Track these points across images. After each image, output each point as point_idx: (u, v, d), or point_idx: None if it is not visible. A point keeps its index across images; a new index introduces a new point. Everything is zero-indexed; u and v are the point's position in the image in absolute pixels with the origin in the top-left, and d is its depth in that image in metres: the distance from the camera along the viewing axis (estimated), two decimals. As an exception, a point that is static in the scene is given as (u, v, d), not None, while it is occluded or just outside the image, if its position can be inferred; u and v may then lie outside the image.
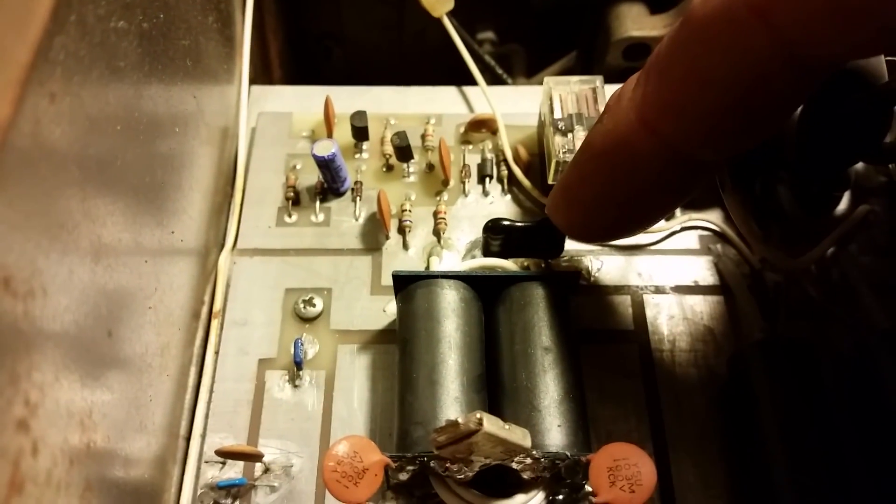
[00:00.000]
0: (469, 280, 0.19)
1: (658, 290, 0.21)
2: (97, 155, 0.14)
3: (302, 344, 0.20)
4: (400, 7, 0.35)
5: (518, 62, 0.35)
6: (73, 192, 0.13)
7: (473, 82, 0.24)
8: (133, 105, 0.16)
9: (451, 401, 0.16)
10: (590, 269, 0.21)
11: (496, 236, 0.20)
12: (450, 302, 0.18)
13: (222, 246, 0.22)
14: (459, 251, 0.22)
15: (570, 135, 0.21)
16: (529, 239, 0.20)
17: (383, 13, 0.35)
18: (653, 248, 0.22)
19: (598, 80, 0.22)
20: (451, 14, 0.26)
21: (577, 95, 0.22)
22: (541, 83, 0.31)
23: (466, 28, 0.28)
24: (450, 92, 0.25)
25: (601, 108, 0.22)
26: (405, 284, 0.19)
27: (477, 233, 0.22)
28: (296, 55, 0.35)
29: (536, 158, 0.23)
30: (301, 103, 0.25)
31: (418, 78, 0.37)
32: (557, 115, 0.21)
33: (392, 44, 0.37)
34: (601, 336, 0.20)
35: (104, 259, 0.14)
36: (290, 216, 0.22)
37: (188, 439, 0.19)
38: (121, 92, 0.15)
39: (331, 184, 0.22)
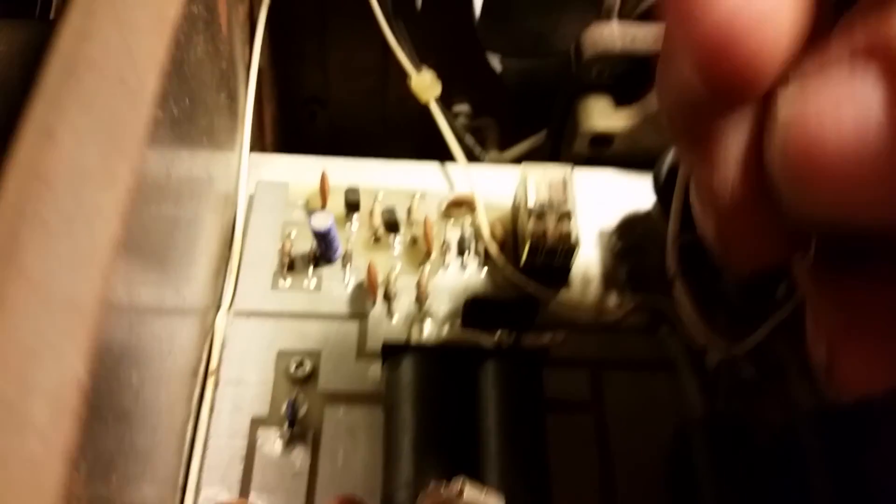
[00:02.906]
0: (451, 352, 0.21)
1: (611, 366, 0.23)
2: (137, 221, 0.16)
3: (294, 404, 0.21)
4: (384, 76, 0.37)
5: (491, 135, 0.38)
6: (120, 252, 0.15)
7: (451, 156, 0.27)
8: (163, 180, 0.18)
9: (435, 466, 0.18)
10: (551, 342, 0.24)
11: (476, 311, 0.22)
12: (433, 372, 0.20)
13: (219, 306, 0.23)
14: (440, 321, 0.24)
15: (542, 219, 0.24)
16: (505, 313, 0.22)
17: (368, 81, 0.38)
18: (608, 325, 0.24)
19: (568, 169, 0.25)
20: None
21: (550, 183, 0.24)
22: (513, 159, 0.34)
23: (443, 99, 0.31)
24: (433, 168, 0.28)
25: (570, 197, 0.24)
26: (392, 353, 0.21)
27: (456, 303, 0.24)
28: (283, 118, 0.37)
29: (511, 236, 0.26)
30: (295, 172, 0.27)
31: (398, 141, 0.40)
32: (531, 201, 0.24)
33: (375, 109, 0.39)
34: (558, 406, 0.22)
35: (135, 317, 0.16)
36: (284, 280, 0.24)
37: (184, 490, 0.20)
38: (155, 169, 0.17)
39: (324, 252, 0.24)
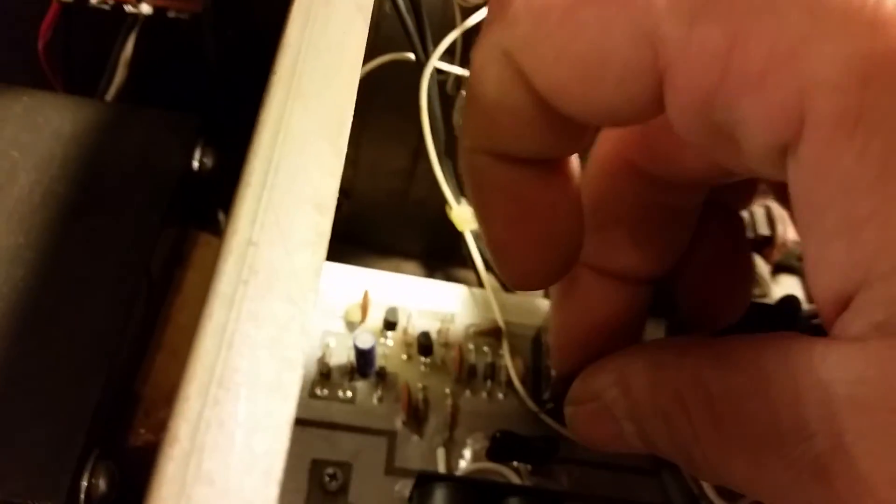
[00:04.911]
0: (479, 484, 0.23)
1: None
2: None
3: (329, 519, 0.23)
4: (409, 178, 0.40)
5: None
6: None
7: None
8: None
9: None
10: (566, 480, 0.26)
11: (502, 446, 0.24)
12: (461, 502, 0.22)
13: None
14: (466, 447, 0.26)
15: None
16: (528, 449, 0.24)
17: (394, 181, 0.40)
18: (618, 464, 0.26)
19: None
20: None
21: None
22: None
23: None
24: (463, 291, 0.30)
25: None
26: (423, 482, 0.22)
27: (481, 429, 0.26)
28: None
29: (533, 367, 0.28)
30: (333, 278, 0.28)
31: (414, 238, 0.42)
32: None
33: (395, 206, 0.41)
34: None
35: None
36: (321, 389, 0.26)
37: None
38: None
39: (361, 367, 0.26)
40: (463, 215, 0.30)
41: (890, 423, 0.11)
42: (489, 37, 0.14)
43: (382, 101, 0.36)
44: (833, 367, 0.11)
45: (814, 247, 0.12)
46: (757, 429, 0.12)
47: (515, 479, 0.24)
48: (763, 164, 0.12)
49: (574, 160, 0.16)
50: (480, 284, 0.29)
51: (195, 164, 0.25)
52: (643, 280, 0.18)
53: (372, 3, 0.19)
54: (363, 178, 0.40)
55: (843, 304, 0.11)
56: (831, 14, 0.10)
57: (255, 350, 0.13)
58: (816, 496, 0.11)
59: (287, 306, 0.13)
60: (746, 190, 0.19)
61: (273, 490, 0.11)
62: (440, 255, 0.42)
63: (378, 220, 0.42)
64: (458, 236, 0.30)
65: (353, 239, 0.41)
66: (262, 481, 0.11)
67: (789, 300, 0.23)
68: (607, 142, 0.17)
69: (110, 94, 0.33)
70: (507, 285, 0.18)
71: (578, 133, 0.15)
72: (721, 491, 0.25)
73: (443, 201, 0.30)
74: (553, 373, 0.26)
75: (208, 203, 0.28)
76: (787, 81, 0.11)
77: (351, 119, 0.17)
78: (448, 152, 0.31)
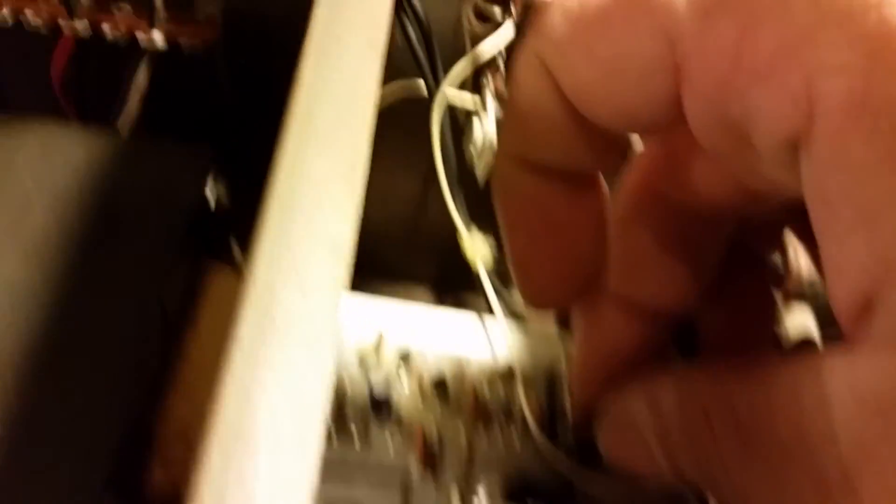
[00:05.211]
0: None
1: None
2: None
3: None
4: (420, 205, 0.40)
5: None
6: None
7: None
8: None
9: None
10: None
11: (517, 491, 0.23)
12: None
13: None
14: (481, 490, 0.25)
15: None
16: (543, 494, 0.24)
17: (406, 209, 0.40)
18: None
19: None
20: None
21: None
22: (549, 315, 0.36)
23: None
24: (474, 324, 0.29)
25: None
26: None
27: (494, 473, 0.25)
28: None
29: (547, 404, 0.27)
30: (348, 318, 0.28)
31: (422, 265, 0.42)
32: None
33: (405, 233, 0.41)
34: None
35: None
36: (335, 433, 0.25)
37: None
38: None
39: (375, 409, 0.26)
40: (475, 245, 0.30)
41: None
42: (528, 44, 0.15)
43: (393, 128, 0.36)
44: (858, 370, 0.11)
45: (830, 247, 0.11)
46: (782, 443, 0.12)
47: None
48: (777, 167, 0.12)
49: (603, 183, 0.17)
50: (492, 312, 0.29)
51: (208, 194, 0.25)
52: (665, 313, 0.18)
53: (384, 40, 0.19)
54: (374, 204, 0.40)
55: (865, 305, 0.11)
56: (837, 2, 0.11)
57: (273, 400, 0.12)
58: None
59: (306, 352, 0.13)
60: (773, 234, 0.19)
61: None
62: (451, 281, 0.42)
63: (388, 247, 0.42)
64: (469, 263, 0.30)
65: (364, 265, 0.41)
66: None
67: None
68: (636, 171, 0.17)
69: (124, 126, 0.33)
70: (525, 300, 0.19)
71: (607, 146, 0.15)
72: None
73: (454, 228, 0.30)
74: (569, 410, 0.26)
75: (222, 233, 0.28)
76: (794, 69, 0.11)
77: (366, 160, 0.17)
78: (459, 180, 0.30)
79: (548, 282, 0.17)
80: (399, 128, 0.36)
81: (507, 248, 0.17)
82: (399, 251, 0.42)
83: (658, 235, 0.17)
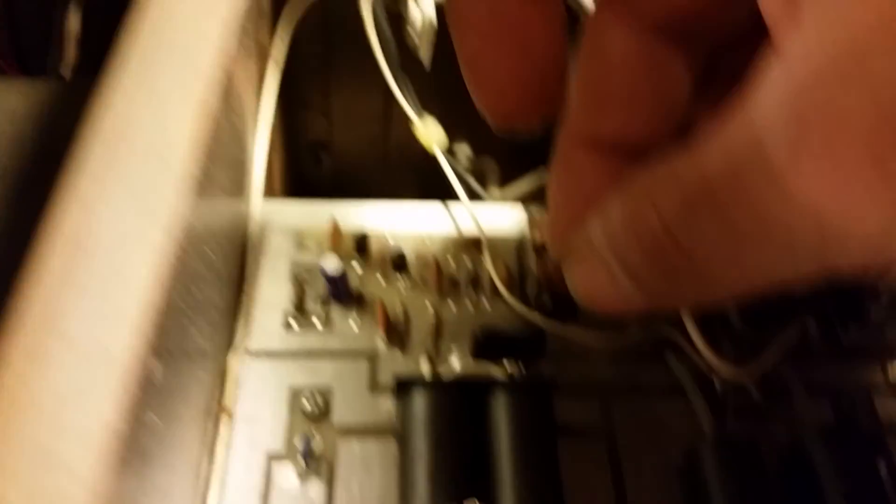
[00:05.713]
0: (462, 385, 0.21)
1: (620, 391, 0.24)
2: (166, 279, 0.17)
3: (309, 440, 0.22)
4: (387, 122, 0.39)
5: (491, 175, 0.39)
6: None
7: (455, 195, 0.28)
8: (190, 238, 0.19)
9: (450, 494, 0.19)
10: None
11: (486, 343, 0.22)
12: (445, 404, 0.21)
13: (233, 347, 0.24)
14: (450, 355, 0.24)
15: (546, 257, 0.25)
16: (514, 344, 0.23)
17: (371, 127, 0.39)
18: (615, 353, 0.25)
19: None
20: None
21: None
22: (515, 197, 0.35)
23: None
24: (438, 208, 0.29)
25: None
26: (404, 388, 0.21)
27: (465, 338, 0.24)
28: (289, 164, 0.39)
29: (517, 272, 0.26)
30: (305, 216, 0.28)
31: (402, 183, 0.41)
32: (535, 240, 0.25)
33: (378, 153, 0.40)
34: (569, 432, 0.23)
35: (159, 362, 0.16)
36: (296, 321, 0.25)
37: (202, 529, 0.21)
38: (184, 229, 0.18)
39: (335, 294, 0.25)
40: (427, 131, 0.28)
41: None
42: None
43: (340, 40, 0.35)
44: (792, 74, 0.10)
45: None
46: (727, 204, 0.11)
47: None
48: None
49: None
50: (454, 196, 0.28)
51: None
52: (634, 149, 0.17)
53: None
54: (340, 128, 0.39)
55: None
56: None
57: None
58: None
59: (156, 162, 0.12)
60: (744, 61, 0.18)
61: (129, 340, 0.10)
62: (436, 196, 0.41)
63: (364, 171, 0.41)
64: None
65: (342, 193, 0.40)
66: (118, 331, 0.10)
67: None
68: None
69: (64, 72, 0.33)
70: (484, 114, 0.18)
71: None
72: (727, 361, 0.23)
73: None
74: (539, 270, 0.25)
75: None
76: None
77: None
78: (404, 68, 0.29)
79: (503, 86, 0.16)
80: (345, 39, 0.35)
81: (458, 54, 0.16)
82: (377, 172, 0.41)
83: (622, 58, 0.16)
